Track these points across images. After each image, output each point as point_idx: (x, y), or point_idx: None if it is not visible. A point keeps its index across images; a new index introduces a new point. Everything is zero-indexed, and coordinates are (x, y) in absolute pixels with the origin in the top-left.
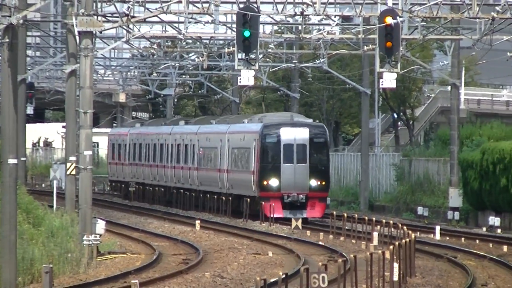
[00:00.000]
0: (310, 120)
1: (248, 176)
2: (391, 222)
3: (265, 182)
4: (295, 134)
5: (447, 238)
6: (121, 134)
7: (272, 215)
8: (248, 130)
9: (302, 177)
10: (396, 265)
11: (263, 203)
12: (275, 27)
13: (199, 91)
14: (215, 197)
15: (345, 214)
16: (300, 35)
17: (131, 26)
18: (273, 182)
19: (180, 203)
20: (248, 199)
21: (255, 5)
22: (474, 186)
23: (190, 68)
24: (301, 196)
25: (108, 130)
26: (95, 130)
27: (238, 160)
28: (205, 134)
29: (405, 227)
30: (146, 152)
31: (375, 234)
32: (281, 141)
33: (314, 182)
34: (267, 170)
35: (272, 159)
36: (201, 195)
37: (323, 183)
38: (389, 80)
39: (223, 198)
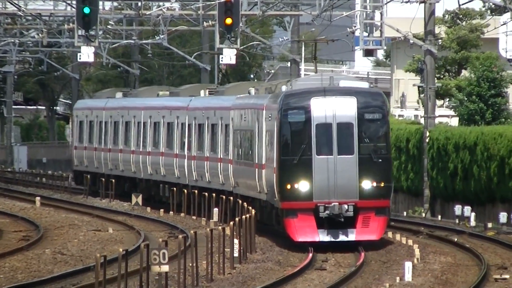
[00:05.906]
0: (365, 84)
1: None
2: (231, 198)
3: (288, 186)
4: (334, 107)
5: None
6: (93, 108)
7: (300, 239)
8: (255, 105)
9: (347, 176)
10: (236, 241)
11: (286, 218)
12: (115, 4)
13: (39, 68)
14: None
15: (185, 191)
16: (140, 12)
17: None
18: (302, 185)
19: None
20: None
21: None
22: None
23: (30, 45)
24: (346, 206)
25: None
26: None
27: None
28: (242, 108)
29: (245, 203)
30: (138, 133)
31: (215, 210)
32: (312, 119)
33: (367, 184)
34: (290, 166)
35: (298, 148)
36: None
37: (382, 184)
38: (228, 56)
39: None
